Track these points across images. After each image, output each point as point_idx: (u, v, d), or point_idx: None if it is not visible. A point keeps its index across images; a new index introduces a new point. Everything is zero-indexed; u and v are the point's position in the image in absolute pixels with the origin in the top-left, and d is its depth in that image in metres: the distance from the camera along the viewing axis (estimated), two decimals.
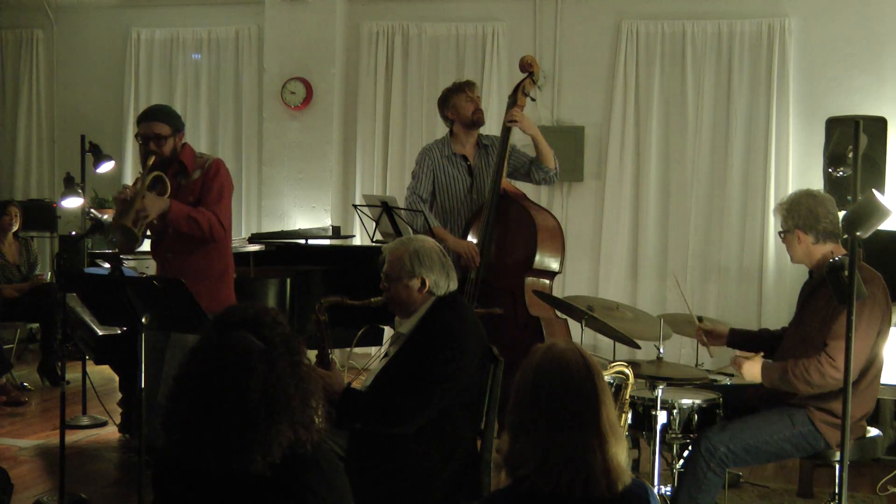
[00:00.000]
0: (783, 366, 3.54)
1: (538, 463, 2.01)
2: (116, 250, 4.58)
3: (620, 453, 2.03)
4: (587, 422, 2.01)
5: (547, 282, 4.93)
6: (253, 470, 1.88)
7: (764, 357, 3.71)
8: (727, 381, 4.47)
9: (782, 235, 3.73)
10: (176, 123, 4.12)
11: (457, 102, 4.98)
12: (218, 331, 1.97)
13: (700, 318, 4.60)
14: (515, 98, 4.96)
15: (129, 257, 5.53)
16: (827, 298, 3.46)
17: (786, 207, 3.68)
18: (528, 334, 4.67)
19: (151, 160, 4.01)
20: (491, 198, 4.83)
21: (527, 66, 4.98)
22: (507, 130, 4.90)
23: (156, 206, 3.89)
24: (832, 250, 3.61)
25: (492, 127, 5.29)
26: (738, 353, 3.79)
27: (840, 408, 3.44)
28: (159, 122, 4.06)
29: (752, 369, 3.62)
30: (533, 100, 5.15)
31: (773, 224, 6.80)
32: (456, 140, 5.04)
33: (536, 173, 5.08)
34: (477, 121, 5.01)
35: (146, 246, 4.43)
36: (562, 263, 4.95)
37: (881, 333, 3.54)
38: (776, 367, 3.58)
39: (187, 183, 4.11)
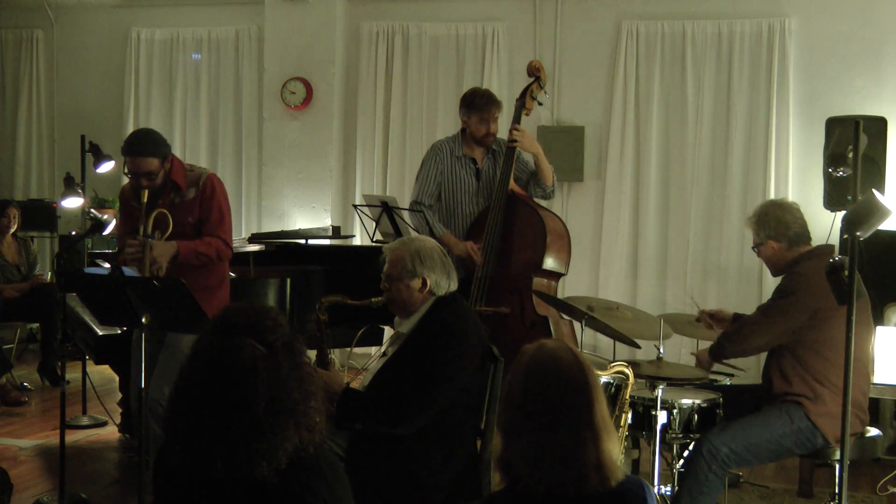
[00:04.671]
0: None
1: (532, 463, 2.00)
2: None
3: (613, 448, 2.02)
4: (582, 418, 2.00)
5: (553, 283, 4.93)
6: (258, 475, 1.87)
7: None
8: (727, 381, 4.47)
9: (756, 250, 3.78)
10: (163, 152, 4.00)
11: (469, 119, 4.95)
12: (219, 336, 1.93)
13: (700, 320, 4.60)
14: (524, 101, 4.95)
15: None
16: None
17: (755, 221, 3.77)
18: (536, 333, 4.65)
19: (145, 195, 3.95)
20: (498, 201, 4.82)
21: (534, 71, 4.97)
22: (511, 150, 4.88)
23: (165, 254, 3.90)
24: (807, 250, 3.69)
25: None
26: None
27: (829, 398, 3.48)
28: (147, 157, 3.95)
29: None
30: (541, 104, 5.13)
31: None
32: (467, 141, 5.03)
33: (534, 189, 5.04)
34: (486, 143, 4.98)
35: None
36: (567, 266, 4.94)
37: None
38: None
39: (182, 202, 4.07)
